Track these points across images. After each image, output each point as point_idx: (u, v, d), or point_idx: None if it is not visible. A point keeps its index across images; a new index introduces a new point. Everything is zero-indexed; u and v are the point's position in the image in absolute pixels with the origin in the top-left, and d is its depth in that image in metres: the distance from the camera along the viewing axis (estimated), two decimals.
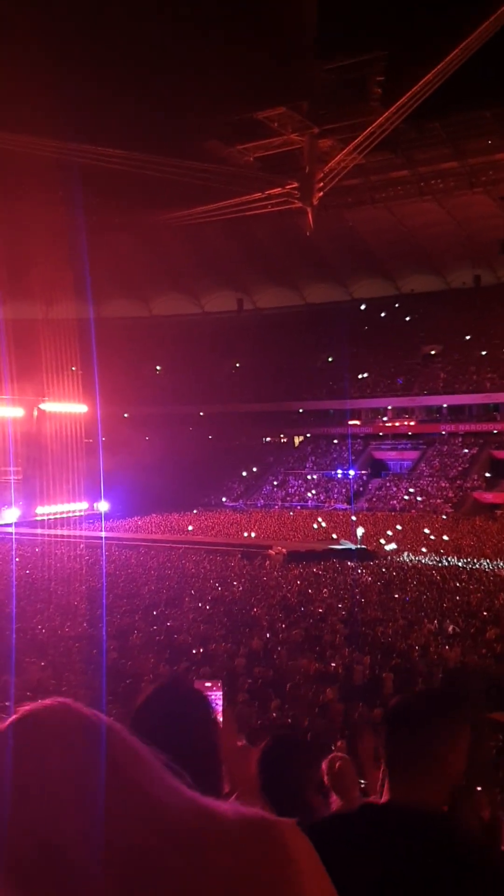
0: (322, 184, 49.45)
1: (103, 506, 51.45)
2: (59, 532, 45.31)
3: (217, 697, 2.00)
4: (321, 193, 49.70)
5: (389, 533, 44.94)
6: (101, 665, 17.61)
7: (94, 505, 54.14)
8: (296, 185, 50.14)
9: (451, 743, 1.69)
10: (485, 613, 25.23)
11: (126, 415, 70.16)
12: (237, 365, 76.10)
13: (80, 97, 39.10)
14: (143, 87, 42.25)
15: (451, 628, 23.12)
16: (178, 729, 1.38)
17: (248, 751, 2.06)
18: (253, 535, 46.23)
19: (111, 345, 64.92)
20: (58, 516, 51.89)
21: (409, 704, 1.75)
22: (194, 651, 19.98)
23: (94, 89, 39.52)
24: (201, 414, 72.78)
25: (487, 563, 36.72)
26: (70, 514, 53.10)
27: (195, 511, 57.10)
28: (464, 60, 38.84)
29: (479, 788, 10.73)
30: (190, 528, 49.79)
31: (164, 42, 40.24)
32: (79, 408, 58.90)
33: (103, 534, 43.04)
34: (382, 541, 42.90)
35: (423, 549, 40.83)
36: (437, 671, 18.59)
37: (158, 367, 78.93)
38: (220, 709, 1.96)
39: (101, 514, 50.88)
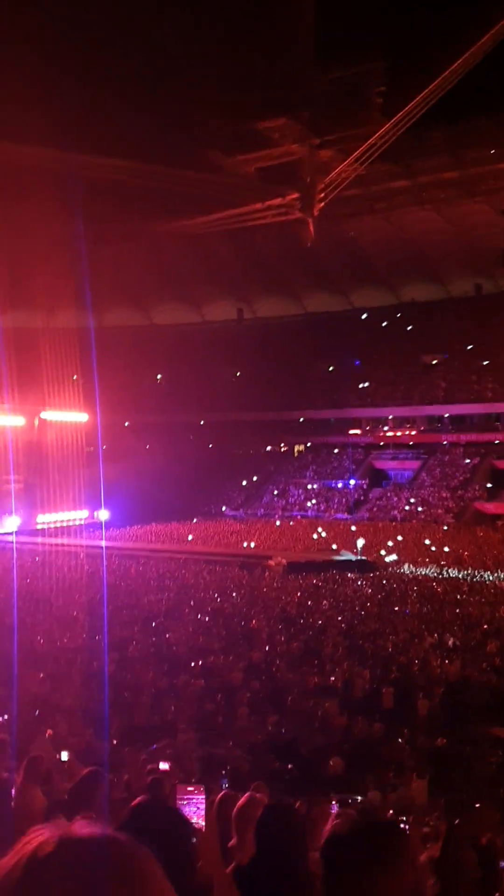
0: (323, 194, 49.52)
1: (104, 514, 51.38)
2: (59, 541, 45.24)
3: (200, 802, 1.94)
4: (322, 204, 49.77)
5: (390, 544, 44.84)
6: (100, 677, 17.52)
7: (95, 513, 54.08)
8: (296, 195, 50.21)
9: (393, 884, 1.56)
10: (485, 626, 25.14)
11: (127, 423, 70.16)
12: (238, 374, 76.10)
13: (80, 107, 39.18)
14: (142, 96, 42.36)
15: (451, 641, 23.03)
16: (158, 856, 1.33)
17: (229, 878, 1.99)
18: (253, 545, 46.14)
19: (112, 353, 64.93)
20: (58, 525, 51.85)
21: (343, 846, 1.63)
22: (192, 664, 19.90)
23: (94, 99, 39.61)
24: (202, 422, 72.78)
25: (488, 575, 36.62)
26: (70, 523, 53.06)
27: (195, 520, 57.00)
28: (466, 71, 38.96)
29: (477, 805, 10.63)
30: (190, 537, 49.71)
31: (164, 52, 40.38)
32: (79, 416, 58.90)
33: (104, 543, 42.97)
34: (383, 552, 42.81)
35: (424, 561, 40.73)
36: (438, 685, 18.51)
37: (159, 376, 78.96)
38: (202, 813, 1.90)
39: (101, 522, 50.81)
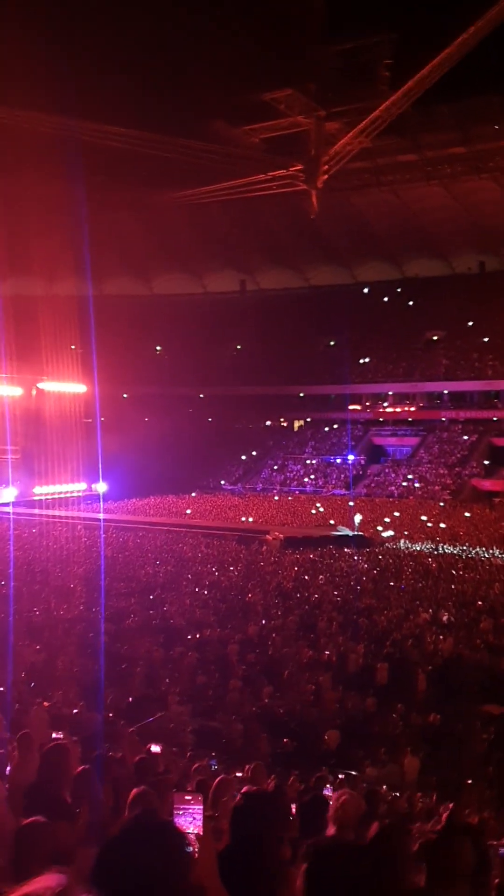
0: (327, 167, 49.02)
1: (101, 487, 51.45)
2: (56, 513, 45.33)
3: (197, 812, 1.94)
4: (326, 176, 49.29)
5: (387, 520, 44.96)
6: (97, 649, 17.63)
7: (93, 486, 54.14)
8: (301, 167, 49.71)
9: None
10: (479, 603, 25.25)
11: (125, 395, 70.01)
12: (238, 347, 75.82)
13: (84, 73, 38.64)
14: (147, 64, 41.77)
15: (445, 618, 23.15)
16: (149, 875, 1.31)
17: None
18: (251, 519, 46.26)
19: (111, 323, 64.59)
20: (56, 496, 51.93)
21: (328, 868, 1.60)
22: (189, 636, 20.02)
23: (99, 66, 39.05)
24: (201, 396, 72.64)
25: (483, 552, 36.74)
26: (68, 495, 53.12)
27: (193, 494, 57.08)
28: (474, 45, 38.35)
29: (468, 782, 10.74)
30: (188, 511, 49.82)
31: (170, 19, 39.73)
32: (78, 387, 58.74)
33: (101, 515, 43.06)
34: (380, 528, 42.93)
35: (420, 537, 40.86)
36: (431, 662, 18.63)
37: (159, 347, 78.63)
38: (199, 823, 1.89)
39: (99, 495, 50.89)
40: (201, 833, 1.89)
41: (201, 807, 1.96)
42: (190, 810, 1.91)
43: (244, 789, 2.59)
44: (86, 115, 43.09)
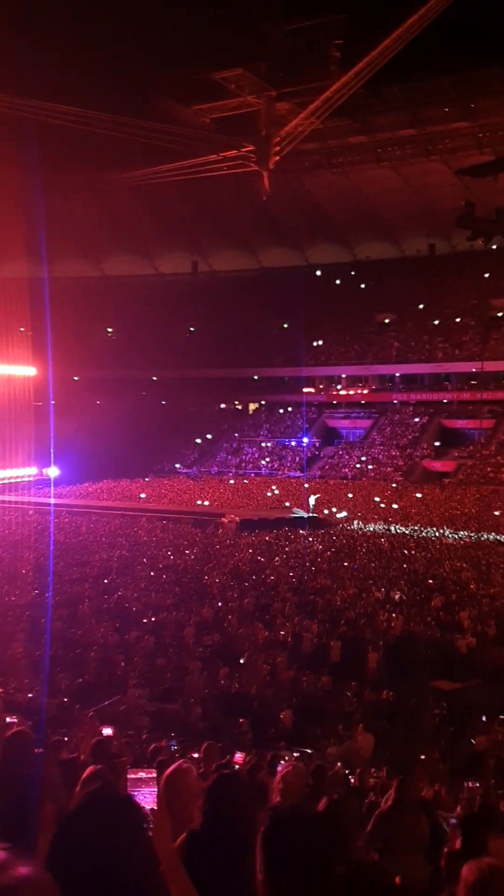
0: (279, 147, 48.78)
1: (53, 471, 50.89)
2: (7, 498, 44.72)
3: (151, 789, 1.94)
4: (278, 157, 49.05)
5: (342, 509, 45.37)
6: (49, 634, 17.50)
7: (44, 470, 53.51)
8: (252, 147, 49.40)
9: (328, 872, 1.57)
10: (430, 581, 25.72)
11: (76, 378, 69.16)
12: (191, 329, 75.40)
13: (32, 51, 37.79)
14: (97, 42, 41.01)
15: (397, 596, 23.53)
16: (107, 851, 1.32)
17: (180, 866, 2.00)
18: (206, 503, 46.26)
19: (61, 305, 63.61)
20: (5, 481, 51.19)
21: (281, 838, 1.62)
22: (144, 620, 20.00)
23: (47, 44, 38.23)
24: (154, 378, 72.15)
25: (434, 531, 37.36)
26: (18, 480, 52.41)
27: (147, 479, 56.76)
28: (424, 27, 38.45)
29: (422, 757, 10.97)
30: (143, 495, 49.60)
31: None
32: (27, 370, 57.83)
33: (52, 500, 42.63)
34: (334, 509, 43.32)
35: (373, 517, 41.35)
36: (384, 639, 18.93)
37: (110, 330, 77.76)
38: (154, 801, 1.90)
39: (50, 479, 50.34)
40: (156, 808, 1.91)
41: (155, 784, 1.97)
42: (144, 788, 1.93)
43: (218, 771, 2.62)
44: (32, 93, 42.17)
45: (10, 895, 0.95)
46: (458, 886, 1.99)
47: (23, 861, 0.99)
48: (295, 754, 10.88)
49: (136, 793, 2.15)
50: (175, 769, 2.93)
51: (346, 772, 10.40)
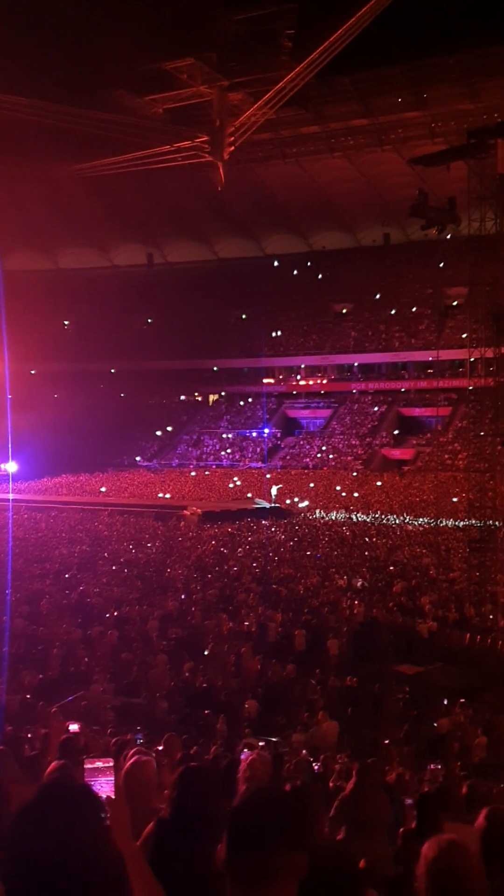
0: (233, 138, 48.66)
1: (11, 466, 50.20)
2: None
3: (109, 778, 1.94)
4: (232, 148, 48.93)
5: (305, 491, 45.59)
6: (9, 631, 17.31)
7: (1, 465, 52.77)
8: (206, 138, 49.18)
9: (294, 852, 1.59)
10: (391, 568, 26.02)
11: (33, 371, 68.30)
12: (149, 321, 74.93)
13: None
14: (46, 31, 40.38)
15: (359, 583, 23.77)
16: (63, 844, 1.32)
17: (139, 853, 2.01)
18: (167, 495, 46.12)
19: (15, 299, 62.68)
20: None
21: (247, 815, 1.63)
22: (107, 615, 19.90)
23: None
24: (112, 371, 71.59)
25: (395, 518, 37.77)
26: None
27: (105, 473, 56.29)
28: (375, 17, 38.59)
29: (385, 742, 11.11)
30: (103, 489, 49.26)
31: None
32: None
33: (11, 495, 42.09)
34: (296, 499, 43.52)
35: (335, 506, 41.64)
36: (347, 626, 19.11)
37: (66, 322, 76.93)
38: (111, 791, 1.90)
39: (8, 474, 49.65)
40: (114, 797, 1.91)
41: (112, 773, 1.97)
42: (101, 778, 1.93)
43: (186, 764, 2.63)
44: None
45: None
46: (419, 864, 2.02)
47: None
48: (260, 743, 10.94)
49: (93, 782, 2.15)
50: (134, 762, 2.94)
51: (311, 759, 10.50)
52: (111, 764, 2.02)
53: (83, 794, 1.45)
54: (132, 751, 3.80)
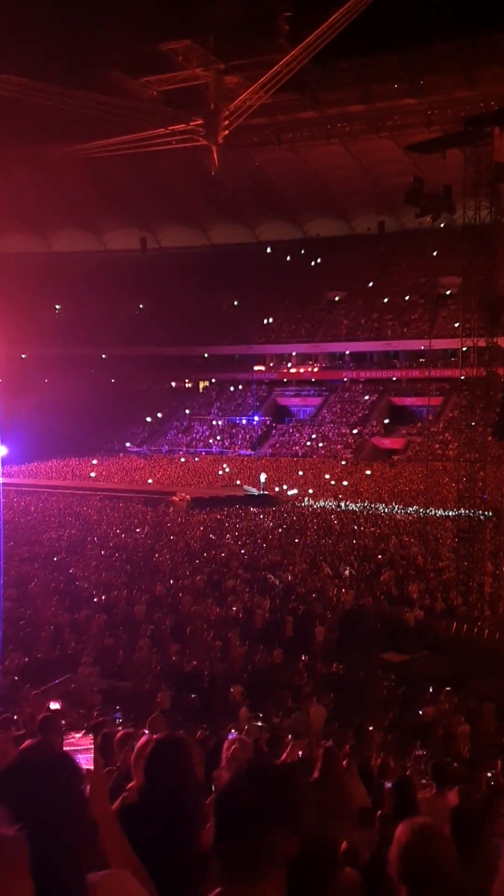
0: (228, 122, 48.33)
1: (1, 450, 49.94)
2: None
3: (87, 750, 1.91)
4: (227, 132, 48.62)
5: (295, 479, 45.61)
6: (1, 614, 17.29)
7: None
8: (200, 121, 48.83)
9: (284, 834, 1.56)
10: (379, 557, 26.08)
11: (24, 356, 67.95)
12: (141, 306, 74.60)
13: None
14: (42, 11, 39.92)
15: (346, 571, 23.81)
16: (43, 805, 1.30)
17: (114, 820, 1.98)
18: (150, 481, 46.07)
19: (7, 281, 62.34)
20: None
21: (235, 797, 1.61)
22: (95, 599, 19.90)
23: None
24: (104, 356, 71.30)
25: (384, 507, 37.83)
26: None
27: (94, 462, 55.99)
28: (372, 2, 38.33)
29: (370, 728, 11.12)
30: (92, 474, 49.16)
31: None
32: None
33: (0, 479, 41.91)
34: (285, 486, 43.55)
35: (324, 494, 41.68)
36: (334, 614, 19.16)
37: (58, 307, 76.52)
38: (90, 765, 1.87)
39: None
40: (93, 769, 1.89)
41: (91, 745, 1.95)
42: (79, 749, 1.91)
43: (155, 736, 2.61)
44: None
45: None
46: (392, 847, 2.01)
47: (5, 822, 1.00)
48: (246, 727, 10.97)
49: (70, 752, 2.13)
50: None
51: (295, 743, 10.50)
52: (90, 743, 2.00)
53: (62, 761, 1.43)
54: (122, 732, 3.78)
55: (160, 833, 2.17)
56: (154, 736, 3.16)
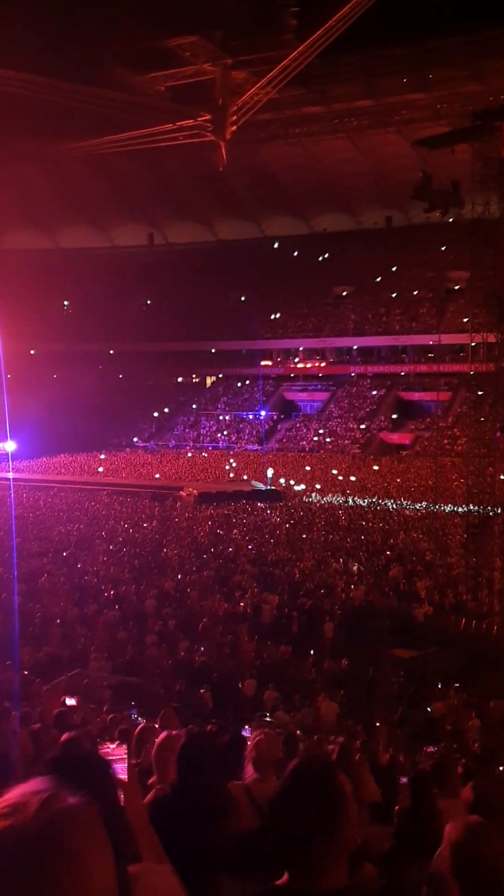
0: (235, 117, 48.18)
1: (10, 445, 50.16)
2: None
3: (122, 760, 1.93)
4: (234, 127, 48.48)
5: (302, 474, 45.60)
6: (8, 608, 17.38)
7: (1, 445, 52.71)
8: (208, 117, 48.70)
9: (346, 814, 1.61)
10: (388, 552, 26.07)
11: (32, 352, 68.11)
12: (148, 302, 74.63)
13: None
14: (47, 5, 39.88)
15: (355, 567, 23.82)
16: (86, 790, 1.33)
17: (145, 813, 2.01)
18: (157, 476, 46.15)
19: (15, 278, 62.46)
20: None
21: (299, 781, 1.65)
22: (104, 593, 19.97)
23: None
24: (111, 352, 71.39)
25: (392, 503, 37.79)
26: None
27: (102, 457, 56.10)
28: None
29: (378, 724, 11.18)
30: (100, 469, 49.27)
31: None
32: None
33: (10, 474, 42.10)
34: (292, 481, 43.55)
35: (332, 490, 41.66)
36: (342, 610, 19.17)
37: (66, 303, 76.61)
38: (124, 774, 1.90)
39: (7, 454, 49.63)
40: (127, 780, 1.92)
41: (125, 755, 1.98)
42: (115, 760, 1.93)
43: (188, 730, 2.64)
44: None
45: (57, 823, 0.97)
46: (443, 847, 2.02)
47: (70, 792, 1.03)
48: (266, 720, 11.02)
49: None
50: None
51: (304, 739, 10.55)
52: (124, 746, 2.03)
53: (97, 759, 1.46)
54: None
55: (191, 826, 2.20)
56: (174, 732, 3.19)
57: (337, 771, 1.69)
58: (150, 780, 2.98)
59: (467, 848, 1.94)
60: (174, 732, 3.04)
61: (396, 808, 4.64)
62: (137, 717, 10.44)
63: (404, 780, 5.82)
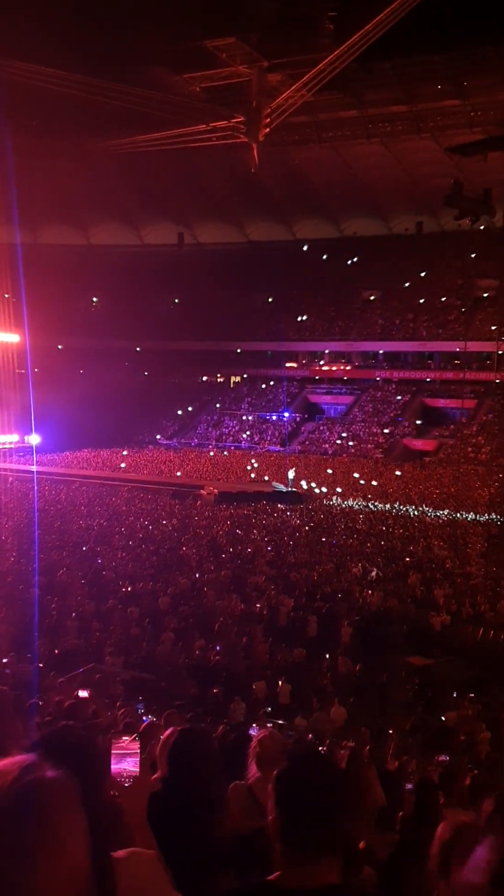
0: (269, 119, 48.30)
1: (34, 439, 50.60)
2: None
3: (134, 755, 1.98)
4: (268, 129, 48.59)
5: (324, 477, 45.51)
6: (27, 601, 17.56)
7: (25, 438, 53.19)
8: (242, 119, 48.86)
9: (349, 813, 1.65)
10: (407, 559, 25.97)
11: (60, 346, 68.65)
12: (176, 301, 74.90)
13: (21, 12, 36.91)
14: (88, 5, 40.21)
15: (374, 573, 23.75)
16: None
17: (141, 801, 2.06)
18: (179, 473, 46.30)
19: (47, 272, 62.99)
20: None
21: (300, 775, 1.68)
22: (122, 589, 20.10)
23: (36, 5, 37.38)
24: (138, 349, 71.74)
25: (413, 509, 37.63)
26: (0, 447, 52.13)
27: (125, 453, 56.40)
28: (418, 2, 38.03)
29: (390, 732, 11.15)
30: (123, 465, 49.53)
31: None
32: (10, 337, 57.20)
33: (34, 468, 42.47)
34: (313, 484, 43.50)
35: (353, 494, 41.56)
36: (359, 615, 19.12)
37: (95, 299, 77.09)
38: (136, 768, 1.94)
39: (31, 447, 50.08)
40: (138, 774, 1.96)
41: (138, 749, 2.02)
42: (128, 754, 1.98)
43: (178, 727, 2.67)
44: (20, 54, 41.32)
45: (34, 791, 1.03)
46: (433, 845, 2.05)
47: (51, 766, 1.08)
48: (268, 724, 11.05)
49: (121, 764, 2.21)
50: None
51: (316, 743, 10.58)
52: (137, 741, 2.08)
53: (87, 742, 1.50)
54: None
55: (181, 821, 2.24)
56: (178, 728, 3.23)
57: (333, 761, 1.73)
58: (154, 777, 3.03)
59: (453, 847, 1.97)
60: (178, 728, 3.08)
61: (400, 814, 4.66)
62: (144, 712, 10.53)
63: (410, 786, 5.83)
